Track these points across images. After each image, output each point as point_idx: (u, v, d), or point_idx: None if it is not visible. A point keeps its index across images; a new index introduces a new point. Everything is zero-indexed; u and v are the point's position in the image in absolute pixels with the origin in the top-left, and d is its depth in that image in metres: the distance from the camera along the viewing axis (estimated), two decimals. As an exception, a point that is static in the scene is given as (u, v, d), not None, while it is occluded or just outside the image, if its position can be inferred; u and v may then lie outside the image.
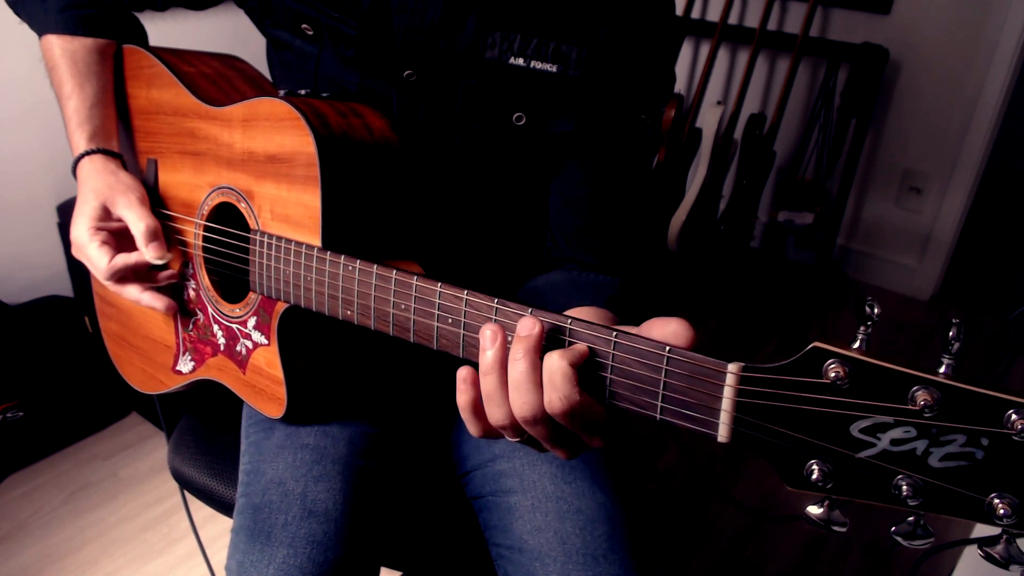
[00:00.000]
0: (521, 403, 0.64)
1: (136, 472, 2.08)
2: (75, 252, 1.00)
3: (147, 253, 0.96)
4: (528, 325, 0.65)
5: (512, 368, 0.64)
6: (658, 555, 1.97)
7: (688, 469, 2.24)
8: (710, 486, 2.18)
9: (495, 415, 0.67)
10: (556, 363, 0.62)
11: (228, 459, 1.13)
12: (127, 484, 2.05)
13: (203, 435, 1.19)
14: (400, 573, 1.17)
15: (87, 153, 1.03)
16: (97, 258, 0.96)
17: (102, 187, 0.99)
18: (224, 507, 1.10)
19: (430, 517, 1.06)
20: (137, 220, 0.97)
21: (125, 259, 0.97)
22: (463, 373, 0.68)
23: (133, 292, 1.00)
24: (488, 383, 0.67)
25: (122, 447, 2.17)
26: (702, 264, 3.22)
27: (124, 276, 0.98)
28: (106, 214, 0.99)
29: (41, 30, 1.07)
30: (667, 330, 0.61)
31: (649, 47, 0.96)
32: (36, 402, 2.02)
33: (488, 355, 0.66)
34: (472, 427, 0.70)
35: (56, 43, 1.05)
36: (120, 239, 1.00)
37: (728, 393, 0.57)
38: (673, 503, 2.13)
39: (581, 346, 0.64)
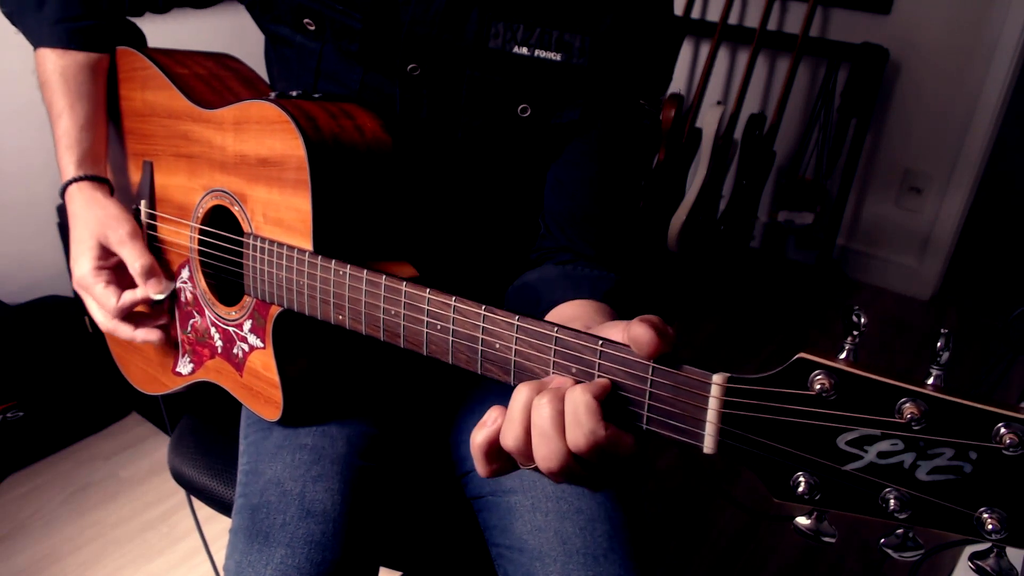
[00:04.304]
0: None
1: (136, 472, 2.09)
2: (79, 290, 1.02)
3: (147, 291, 0.99)
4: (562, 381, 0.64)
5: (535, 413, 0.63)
6: (658, 555, 1.97)
7: (688, 469, 2.25)
8: (710, 486, 2.19)
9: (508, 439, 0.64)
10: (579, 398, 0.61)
11: (228, 459, 1.13)
12: (127, 484, 2.05)
13: (203, 435, 1.20)
14: (400, 573, 1.17)
15: (75, 180, 1.04)
16: (104, 298, 0.99)
17: (93, 223, 1.01)
18: (224, 507, 1.11)
19: (430, 517, 1.06)
20: (133, 259, 0.99)
21: (132, 296, 1.00)
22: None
23: (127, 331, 1.02)
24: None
25: (122, 447, 2.17)
26: (702, 264, 3.21)
27: (125, 314, 1.01)
28: (104, 252, 1.01)
29: (36, 43, 1.06)
30: (628, 334, 0.60)
31: (651, 34, 0.96)
32: (36, 402, 2.02)
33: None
34: (482, 468, 0.68)
35: (49, 57, 1.05)
36: (120, 274, 1.02)
37: (713, 404, 0.56)
38: (673, 503, 2.13)
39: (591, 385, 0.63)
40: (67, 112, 1.04)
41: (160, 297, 1.00)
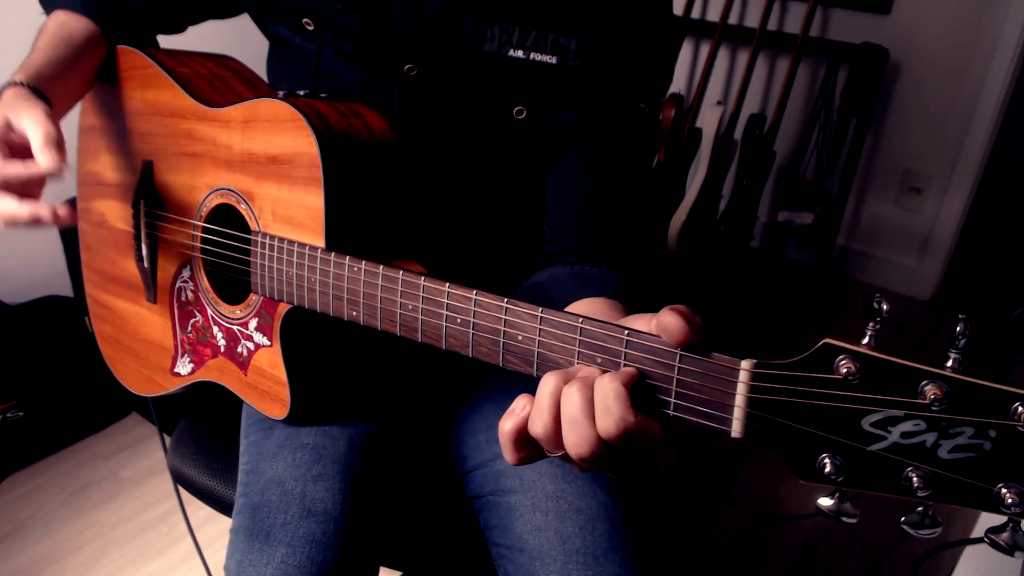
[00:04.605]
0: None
1: (136, 472, 2.08)
2: None
3: (41, 158, 0.85)
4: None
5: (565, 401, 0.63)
6: (658, 555, 1.96)
7: (688, 469, 2.24)
8: (710, 486, 2.18)
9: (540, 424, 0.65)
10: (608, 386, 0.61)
11: (228, 459, 1.12)
12: (127, 484, 2.04)
13: (203, 435, 1.19)
14: (400, 573, 1.17)
15: (17, 84, 0.93)
16: None
17: (11, 104, 0.90)
18: (224, 507, 1.10)
19: (430, 517, 1.06)
20: (35, 126, 0.86)
21: (16, 167, 0.85)
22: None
23: (9, 205, 0.84)
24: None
25: (122, 447, 2.16)
26: (702, 264, 3.22)
27: (8, 186, 0.86)
28: (7, 125, 0.88)
29: (51, 6, 1.07)
30: (657, 323, 0.61)
31: (648, 36, 0.97)
32: (36, 402, 2.02)
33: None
34: (511, 455, 0.68)
35: (56, 15, 1.05)
36: (18, 154, 0.88)
37: (741, 390, 0.58)
38: (673, 503, 2.13)
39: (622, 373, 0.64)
40: (43, 50, 0.99)
41: (53, 170, 0.84)
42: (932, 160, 3.13)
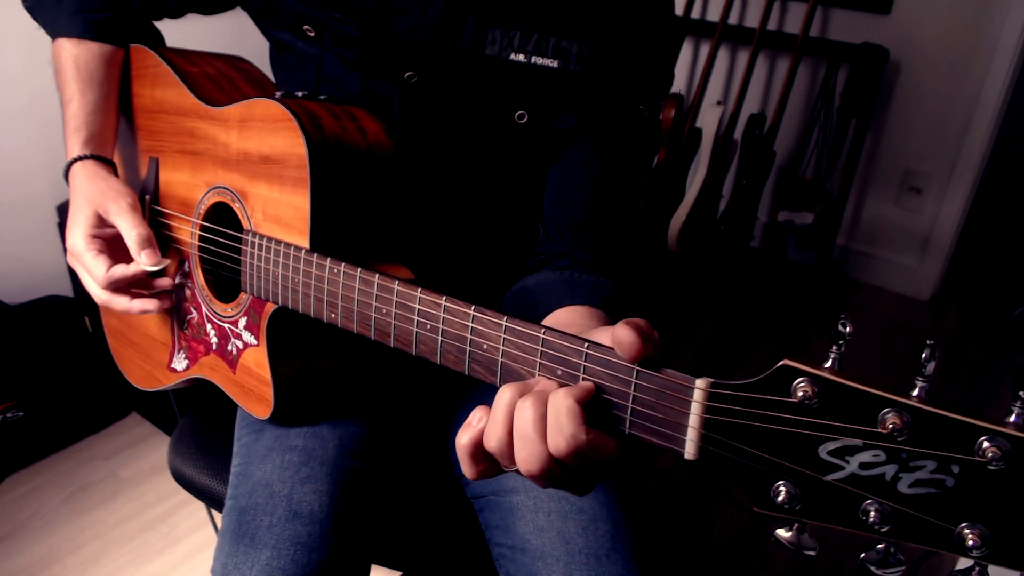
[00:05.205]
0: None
1: (136, 472, 2.09)
2: (71, 260, 1.01)
3: (140, 260, 0.96)
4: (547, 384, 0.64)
5: (518, 416, 0.62)
6: (658, 555, 1.96)
7: (688, 469, 2.25)
8: (710, 486, 2.19)
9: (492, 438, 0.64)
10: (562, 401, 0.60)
11: (228, 459, 1.12)
12: (127, 484, 2.05)
13: (203, 435, 1.20)
14: (400, 573, 1.18)
15: (79, 158, 1.03)
16: (94, 267, 0.96)
17: (94, 194, 0.99)
18: (223, 507, 1.11)
19: (430, 517, 1.07)
20: (129, 228, 0.96)
21: (123, 270, 0.96)
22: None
23: (123, 303, 0.99)
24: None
25: (122, 447, 2.17)
26: (702, 264, 3.22)
27: (119, 287, 0.98)
28: (100, 221, 0.99)
29: (54, 33, 1.08)
30: (612, 337, 0.60)
31: (649, 39, 0.96)
32: (36, 402, 2.02)
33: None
34: (469, 470, 0.67)
35: (65, 46, 1.06)
36: (115, 247, 1.00)
37: (696, 409, 0.56)
38: (673, 503, 2.13)
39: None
40: (77, 97, 1.05)
41: (154, 269, 0.96)
42: (932, 160, 3.13)
